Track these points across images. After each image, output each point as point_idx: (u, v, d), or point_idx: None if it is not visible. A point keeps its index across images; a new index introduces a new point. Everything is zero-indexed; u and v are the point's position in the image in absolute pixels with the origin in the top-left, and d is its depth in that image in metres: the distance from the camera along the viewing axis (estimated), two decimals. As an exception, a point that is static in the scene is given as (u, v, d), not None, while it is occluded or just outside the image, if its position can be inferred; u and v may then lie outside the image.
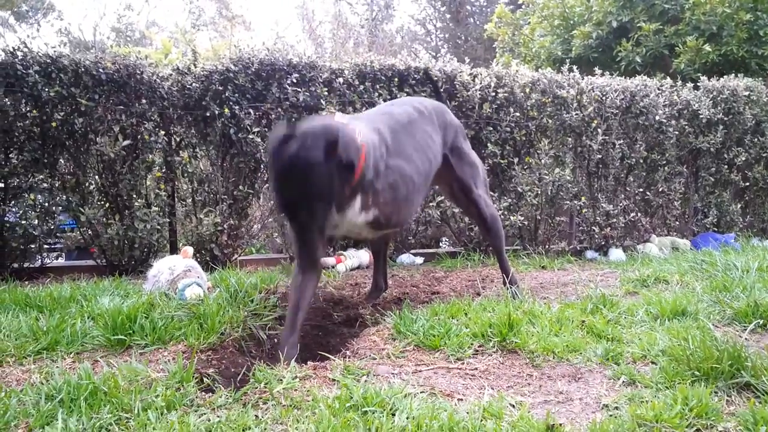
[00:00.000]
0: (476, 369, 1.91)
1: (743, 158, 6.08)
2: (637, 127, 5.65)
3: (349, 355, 2.08)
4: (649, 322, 2.30)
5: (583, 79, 5.52)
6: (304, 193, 2.02)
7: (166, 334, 2.10)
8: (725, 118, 5.96)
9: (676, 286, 3.03)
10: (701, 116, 5.81)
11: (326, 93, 4.74)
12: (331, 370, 1.86)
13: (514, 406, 1.58)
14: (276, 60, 4.69)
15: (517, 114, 5.19)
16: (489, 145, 5.14)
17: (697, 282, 3.07)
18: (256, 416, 1.48)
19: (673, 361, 1.81)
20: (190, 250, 2.88)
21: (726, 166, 6.12)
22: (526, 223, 5.28)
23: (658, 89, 5.75)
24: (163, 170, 4.62)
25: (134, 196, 4.46)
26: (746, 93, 6.02)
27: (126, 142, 4.37)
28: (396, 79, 4.98)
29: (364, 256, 4.92)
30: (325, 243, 2.77)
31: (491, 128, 5.19)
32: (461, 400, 1.64)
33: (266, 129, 4.67)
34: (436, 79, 4.91)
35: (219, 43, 11.64)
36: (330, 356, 2.00)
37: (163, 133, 4.52)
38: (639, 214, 5.68)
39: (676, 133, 5.75)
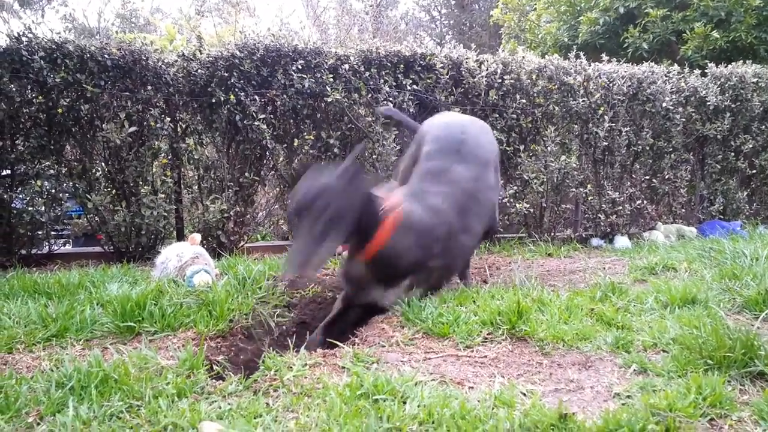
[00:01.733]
0: (486, 357, 1.91)
1: (750, 146, 6.05)
2: (644, 114, 5.62)
3: (358, 343, 2.08)
4: (658, 310, 2.29)
5: (590, 65, 5.47)
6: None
7: (175, 321, 2.10)
8: (733, 105, 5.91)
9: (685, 274, 3.02)
10: (708, 103, 5.77)
11: (332, 79, 4.71)
12: (340, 357, 1.86)
13: (525, 395, 1.58)
14: (281, 46, 4.67)
15: (524, 101, 5.16)
16: (495, 132, 5.10)
17: (706, 270, 3.05)
18: (267, 404, 1.49)
19: (684, 349, 1.81)
20: (197, 236, 2.88)
21: (733, 154, 6.08)
22: (531, 210, 5.26)
23: (665, 76, 5.70)
24: (169, 157, 4.61)
25: (140, 182, 4.45)
26: (754, 80, 5.96)
27: (132, 129, 4.36)
28: (402, 66, 4.95)
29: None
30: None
31: (497, 115, 5.17)
32: (472, 388, 1.64)
33: (272, 116, 4.66)
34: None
35: (223, 29, 11.56)
36: (339, 344, 2.00)
37: (168, 119, 4.51)
38: (645, 202, 5.65)
39: (683, 120, 5.71)
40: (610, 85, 5.41)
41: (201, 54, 4.64)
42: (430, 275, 2.47)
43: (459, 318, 2.12)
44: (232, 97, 4.54)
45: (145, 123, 4.46)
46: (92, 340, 2.00)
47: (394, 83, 4.92)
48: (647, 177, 5.73)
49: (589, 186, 5.45)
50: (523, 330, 2.05)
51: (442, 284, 2.64)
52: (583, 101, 5.28)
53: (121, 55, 4.36)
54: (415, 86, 4.96)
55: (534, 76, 5.21)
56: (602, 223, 5.50)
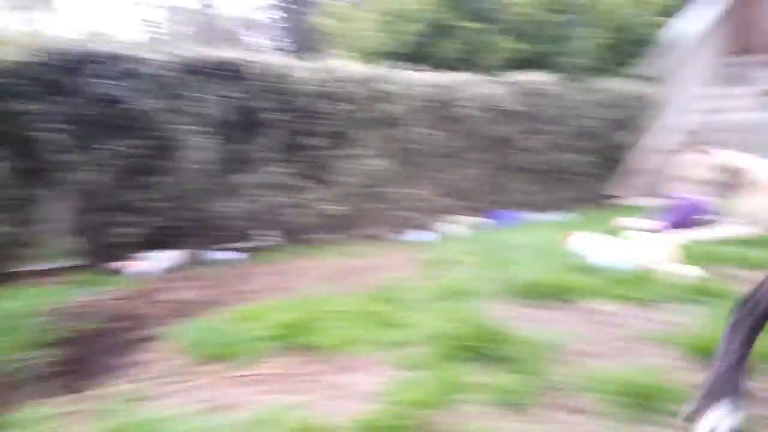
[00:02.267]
0: (261, 374, 1.93)
1: (539, 145, 6.69)
2: (449, 118, 6.00)
3: (131, 377, 1.99)
4: (433, 303, 2.48)
5: (404, 73, 5.77)
6: None
7: None
8: (526, 110, 6.51)
9: (467, 268, 3.28)
10: (505, 108, 6.29)
11: (134, 86, 4.42)
12: (99, 399, 1.78)
13: (288, 408, 1.61)
14: (76, 50, 4.29)
15: (348, 107, 5.27)
16: (319, 138, 5.17)
17: (485, 260, 3.35)
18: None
19: (446, 341, 1.96)
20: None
21: (524, 152, 6.68)
22: (345, 210, 5.39)
23: (468, 84, 6.13)
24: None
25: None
26: (546, 87, 6.63)
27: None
28: (222, 72, 4.77)
29: (176, 255, 4.68)
30: None
31: (320, 121, 5.21)
32: (239, 408, 1.65)
33: (66, 125, 4.24)
34: None
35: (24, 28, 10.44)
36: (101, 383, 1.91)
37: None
38: (450, 198, 6.04)
39: (484, 123, 6.18)
40: (423, 92, 5.72)
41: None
42: None
43: (240, 338, 2.13)
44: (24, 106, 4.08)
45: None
46: None
47: (222, 91, 4.74)
48: (452, 176, 6.12)
49: (399, 185, 5.71)
50: (305, 341, 2.10)
51: None
52: (398, 107, 5.53)
53: None
54: (232, 94, 4.82)
55: (357, 84, 5.34)
56: (411, 220, 5.79)
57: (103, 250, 4.52)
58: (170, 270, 4.51)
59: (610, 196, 7.80)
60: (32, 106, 4.10)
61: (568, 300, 2.55)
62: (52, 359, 2.23)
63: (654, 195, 8.02)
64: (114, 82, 4.36)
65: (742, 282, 2.74)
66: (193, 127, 4.61)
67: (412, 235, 5.82)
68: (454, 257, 3.46)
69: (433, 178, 6.03)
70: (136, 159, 4.48)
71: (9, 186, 4.18)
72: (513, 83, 6.56)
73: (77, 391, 1.92)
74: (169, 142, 4.62)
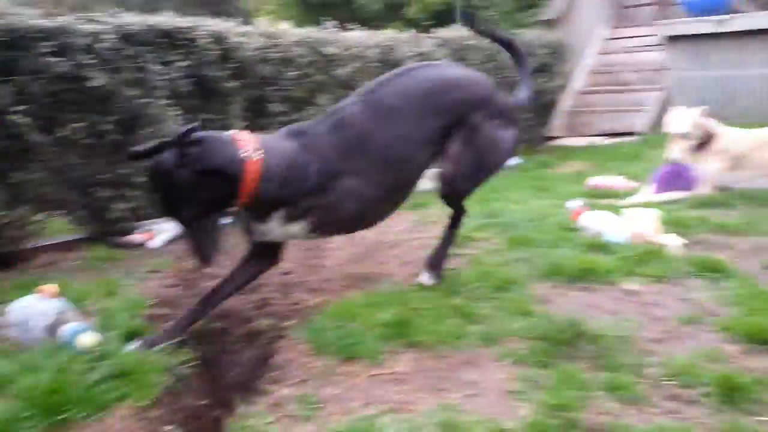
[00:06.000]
0: (397, 372, 2.29)
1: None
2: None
3: (279, 379, 2.31)
4: (492, 294, 2.91)
5: (344, 35, 6.02)
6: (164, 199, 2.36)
7: (103, 398, 2.08)
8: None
9: (484, 243, 3.75)
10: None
11: (91, 60, 4.30)
12: (285, 404, 2.11)
13: (457, 410, 2.03)
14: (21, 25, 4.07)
15: (295, 72, 5.40)
16: (276, 103, 5.29)
17: (498, 238, 3.84)
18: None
19: (536, 337, 2.45)
20: (52, 287, 2.66)
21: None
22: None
23: (404, 41, 6.42)
24: None
25: None
26: (471, 41, 7.07)
27: None
28: (166, 41, 4.71)
29: (175, 226, 4.79)
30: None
31: (273, 87, 5.32)
32: (412, 411, 2.05)
33: (28, 105, 4.10)
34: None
35: None
36: (273, 387, 2.22)
37: None
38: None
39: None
40: (364, 52, 5.95)
41: None
42: (307, 212, 2.60)
43: (361, 338, 2.47)
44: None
45: None
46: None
47: (161, 60, 4.68)
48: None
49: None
50: (416, 339, 2.50)
51: (340, 228, 2.84)
52: (344, 69, 5.73)
53: None
54: (184, 63, 4.79)
55: (299, 48, 5.46)
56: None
57: (101, 225, 4.57)
58: (170, 242, 4.64)
59: (549, 137, 8.63)
60: None
61: (596, 281, 3.02)
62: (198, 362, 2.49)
63: (582, 134, 9.01)
64: (70, 58, 4.21)
65: (723, 249, 3.45)
66: (155, 100, 4.59)
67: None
68: (465, 233, 3.85)
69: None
70: (107, 135, 4.43)
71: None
72: (445, 40, 6.96)
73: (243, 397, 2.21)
74: (134, 115, 4.58)
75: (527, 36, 8.13)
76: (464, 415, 1.98)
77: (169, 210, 2.37)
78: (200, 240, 2.35)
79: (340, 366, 2.37)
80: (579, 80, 9.76)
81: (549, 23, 9.21)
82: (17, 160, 4.24)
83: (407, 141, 2.68)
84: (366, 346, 2.44)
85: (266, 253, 2.81)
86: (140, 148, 2.36)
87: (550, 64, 8.42)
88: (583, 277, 3.09)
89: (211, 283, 2.86)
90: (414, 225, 4.52)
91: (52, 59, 4.10)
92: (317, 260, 3.81)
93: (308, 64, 5.50)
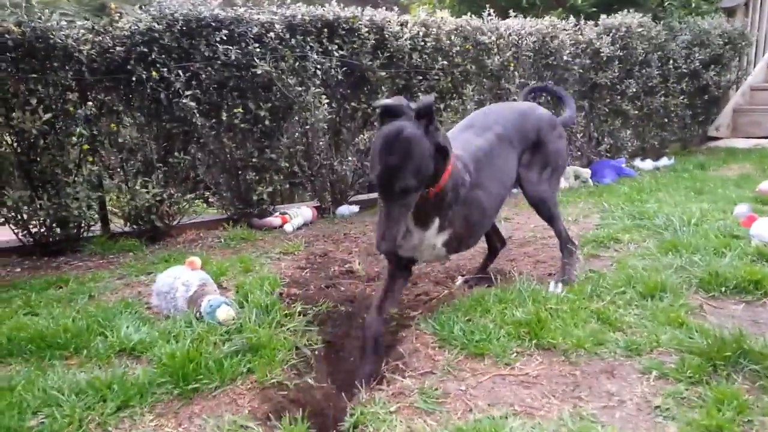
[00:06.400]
0: (527, 374, 2.16)
1: (633, 89, 6.69)
2: (547, 66, 5.99)
3: (402, 369, 2.25)
4: (639, 302, 2.66)
5: (500, 23, 5.71)
6: (404, 163, 2.11)
7: (232, 372, 2.15)
8: (621, 54, 6.46)
9: (631, 246, 3.46)
10: (602, 53, 6.25)
11: (258, 49, 4.55)
12: (407, 395, 2.04)
13: (592, 421, 1.85)
14: (201, 15, 4.39)
15: (444, 62, 5.31)
16: (419, 93, 5.26)
17: (647, 241, 3.52)
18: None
19: (688, 351, 2.18)
20: (197, 260, 2.81)
21: (618, 97, 6.70)
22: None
23: (565, 30, 6.07)
24: (90, 142, 4.28)
25: (60, 172, 4.13)
26: (639, 29, 6.53)
27: (48, 116, 3.98)
28: (326, 30, 4.87)
29: (306, 212, 4.98)
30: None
31: (420, 77, 5.29)
32: (543, 417, 1.90)
33: (197, 91, 4.43)
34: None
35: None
36: (396, 377, 2.17)
37: (90, 103, 4.17)
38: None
39: (580, 70, 6.17)
40: (519, 41, 5.68)
41: (113, 28, 4.27)
42: (451, 223, 2.57)
43: (490, 334, 2.35)
44: (154, 73, 4.26)
45: (58, 107, 4.09)
46: (156, 405, 2.00)
47: (320, 49, 4.85)
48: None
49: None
50: (548, 341, 2.32)
51: (462, 241, 2.73)
52: (496, 59, 5.53)
53: (21, 32, 3.90)
54: (341, 51, 4.92)
55: (452, 37, 5.34)
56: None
57: (243, 207, 4.83)
58: (301, 227, 4.80)
59: (711, 138, 7.88)
60: (158, 73, 4.25)
61: (763, 295, 2.70)
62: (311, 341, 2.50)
63: (750, 135, 8.14)
64: (240, 47, 4.48)
65: None
66: (312, 88, 4.75)
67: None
68: (614, 235, 3.63)
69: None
70: (262, 121, 4.67)
71: (146, 150, 4.41)
72: (609, 28, 6.50)
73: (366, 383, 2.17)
74: (289, 103, 4.78)
75: (703, 25, 7.43)
76: (600, 428, 1.80)
77: (393, 177, 2.11)
78: (397, 219, 2.16)
79: (465, 361, 2.27)
80: (756, 75, 8.80)
81: (729, 11, 8.32)
82: (179, 141, 4.60)
83: (510, 158, 2.89)
84: (494, 344, 2.32)
85: (407, 268, 2.74)
86: (388, 103, 2.25)
87: (724, 56, 7.64)
88: (748, 289, 2.73)
89: (336, 267, 2.85)
90: (546, 224, 4.29)
91: (224, 47, 4.39)
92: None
93: (459, 54, 5.39)
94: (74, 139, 4.14)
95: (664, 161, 7.12)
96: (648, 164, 6.98)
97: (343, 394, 2.07)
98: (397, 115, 2.17)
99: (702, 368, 2.08)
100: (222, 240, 4.37)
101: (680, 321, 2.43)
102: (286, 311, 2.68)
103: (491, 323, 2.46)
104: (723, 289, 2.76)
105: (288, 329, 2.51)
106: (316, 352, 2.44)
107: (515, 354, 2.29)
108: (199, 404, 2.03)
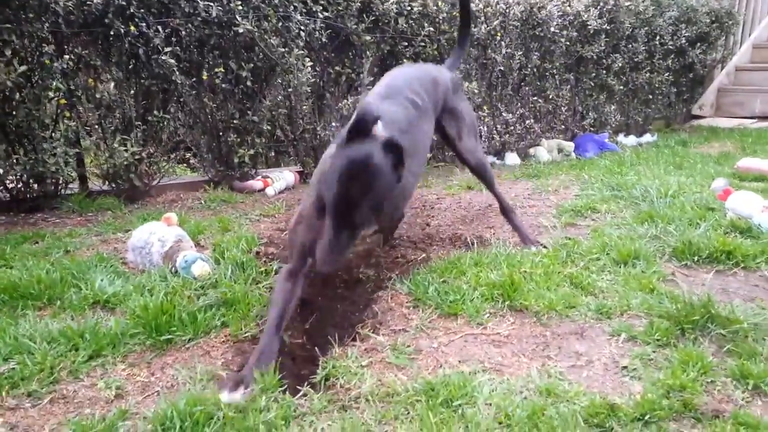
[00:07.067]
0: (499, 334, 2.19)
1: (619, 64, 6.69)
2: (534, 37, 5.96)
3: (377, 327, 2.27)
4: (612, 268, 2.70)
5: None
6: (367, 197, 1.94)
7: (206, 325, 2.15)
8: (608, 27, 6.44)
9: (608, 216, 3.50)
10: (589, 26, 6.22)
11: (240, 6, 4.46)
12: (380, 350, 2.06)
13: (560, 378, 1.89)
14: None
15: (431, 28, 5.26)
16: (404, 59, 5.21)
17: (624, 211, 3.56)
18: (363, 421, 1.66)
19: (657, 315, 2.22)
20: (173, 216, 2.78)
21: (604, 72, 6.70)
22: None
23: (552, 1, 6.03)
24: (67, 97, 4.19)
25: (36, 126, 4.05)
26: (627, 3, 6.51)
27: (23, 68, 3.89)
28: None
29: (289, 176, 4.96)
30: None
31: (406, 43, 5.24)
32: (512, 374, 1.92)
33: (177, 48, 4.35)
34: None
35: None
36: (369, 333, 2.18)
37: (67, 57, 4.08)
38: (532, 121, 6.14)
39: (567, 43, 6.15)
40: (507, 10, 5.64)
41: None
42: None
43: (464, 295, 2.37)
44: (132, 28, 4.17)
45: (34, 60, 4.00)
46: (129, 356, 2.00)
47: (304, 10, 4.77)
48: (534, 97, 6.18)
49: (485, 108, 5.79)
50: (521, 303, 2.35)
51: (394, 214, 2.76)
52: (483, 27, 5.48)
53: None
54: (325, 13, 4.84)
55: (439, 3, 5.28)
56: (496, 142, 5.94)
57: (224, 169, 4.79)
58: (282, 191, 4.79)
59: (694, 117, 7.93)
60: (136, 28, 4.16)
61: (733, 265, 2.74)
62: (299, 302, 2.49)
63: (733, 114, 8.19)
64: (221, 3, 4.39)
65: None
66: (295, 50, 4.68)
67: (498, 157, 6.02)
68: (592, 204, 3.65)
69: (517, 100, 6.11)
70: (244, 82, 4.61)
71: (124, 107, 4.34)
72: (595, 0, 6.46)
73: (339, 339, 2.18)
74: (272, 64, 4.72)
75: (691, 1, 7.41)
76: (567, 385, 1.84)
77: (353, 208, 1.94)
78: (344, 246, 1.98)
79: (438, 321, 2.30)
80: (741, 55, 8.83)
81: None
82: (158, 100, 4.53)
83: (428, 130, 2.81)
84: (468, 304, 2.35)
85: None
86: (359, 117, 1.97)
87: (711, 35, 7.65)
88: (720, 259, 2.78)
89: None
90: (531, 193, 4.32)
91: (204, 3, 4.30)
92: (424, 219, 3.75)
93: (445, 20, 5.34)
94: (51, 93, 4.05)
95: (647, 138, 7.17)
96: (631, 140, 7.03)
97: (316, 348, 2.07)
98: (365, 132, 1.97)
99: (670, 332, 2.12)
100: (202, 201, 4.34)
101: (651, 287, 2.47)
102: (262, 269, 2.67)
103: (465, 285, 2.49)
104: (695, 258, 2.81)
105: (264, 286, 2.51)
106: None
107: (488, 315, 2.32)
108: (172, 355, 2.03)
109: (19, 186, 4.13)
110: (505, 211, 3.29)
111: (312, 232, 2.11)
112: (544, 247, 3.00)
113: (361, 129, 1.96)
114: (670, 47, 7.24)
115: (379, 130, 2.05)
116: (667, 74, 7.30)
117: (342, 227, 1.95)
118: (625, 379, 1.90)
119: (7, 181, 4.11)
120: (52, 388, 1.81)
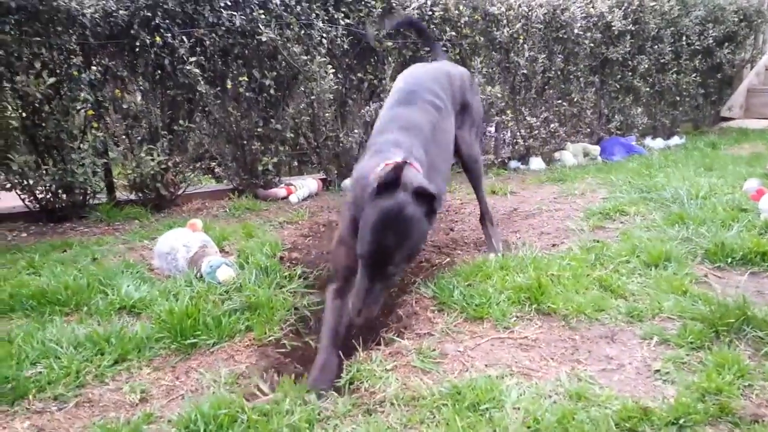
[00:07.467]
0: (526, 338, 2.15)
1: (645, 65, 6.59)
2: (557, 40, 5.90)
3: (401, 330, 2.24)
4: (643, 270, 2.63)
5: None
6: (401, 249, 1.95)
7: (230, 329, 2.15)
8: (632, 28, 6.35)
9: (638, 218, 3.43)
10: (613, 27, 6.14)
11: (263, 15, 4.50)
12: (405, 354, 2.03)
13: (590, 382, 1.84)
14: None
15: (452, 33, 5.24)
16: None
17: (654, 213, 3.48)
18: (389, 425, 1.64)
19: (690, 318, 2.16)
20: (198, 222, 2.81)
21: (630, 73, 6.61)
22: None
23: (576, 2, 5.97)
24: (94, 107, 4.26)
25: (65, 137, 4.11)
26: (652, 3, 6.42)
27: (52, 80, 3.96)
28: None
29: (312, 183, 4.96)
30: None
31: (428, 48, 5.22)
32: (540, 378, 1.88)
33: (202, 58, 4.40)
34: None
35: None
36: (394, 338, 2.16)
37: (94, 68, 4.14)
38: (556, 124, 6.07)
39: (591, 45, 6.08)
40: (529, 13, 5.59)
41: (118, -9, 4.22)
42: None
43: (490, 299, 2.33)
44: (158, 39, 4.22)
45: (63, 71, 4.07)
46: (154, 360, 2.00)
47: (326, 17, 4.79)
48: (558, 100, 6.12)
49: (509, 112, 5.75)
50: (548, 306, 2.30)
51: None
52: (505, 31, 5.45)
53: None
54: (347, 20, 4.86)
55: (461, 7, 5.26)
56: (520, 147, 5.89)
57: (248, 177, 4.81)
58: (307, 197, 4.79)
59: (723, 118, 7.77)
60: (162, 39, 4.21)
61: (767, 266, 2.67)
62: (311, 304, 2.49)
63: (764, 116, 8.01)
64: (244, 13, 4.43)
65: None
66: (317, 57, 4.70)
67: (523, 161, 5.96)
68: (622, 207, 3.59)
69: (541, 103, 6.04)
70: (267, 90, 4.63)
71: (151, 117, 4.39)
72: (620, 0, 6.37)
73: (363, 343, 2.16)
74: (294, 72, 4.74)
75: (718, 0, 7.28)
76: (598, 389, 1.79)
77: (388, 259, 1.94)
78: (378, 297, 1.98)
79: (464, 324, 2.26)
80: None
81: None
82: (183, 109, 4.58)
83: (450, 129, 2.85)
84: (494, 308, 2.31)
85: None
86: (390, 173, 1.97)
87: (739, 34, 7.50)
88: (754, 260, 2.70)
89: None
90: (557, 196, 4.26)
91: (228, 12, 4.34)
92: (448, 224, 3.71)
93: (467, 24, 5.32)
94: (79, 104, 4.11)
95: (675, 140, 7.05)
96: (659, 143, 6.92)
97: (340, 353, 2.05)
98: (395, 183, 1.96)
99: (704, 334, 2.06)
100: (227, 209, 4.36)
101: (684, 289, 2.40)
102: (286, 273, 2.67)
103: (491, 288, 2.45)
104: (729, 260, 2.73)
105: (287, 291, 2.51)
106: (316, 314, 2.43)
107: (515, 318, 2.27)
108: (196, 359, 2.03)
109: (48, 196, 4.19)
110: (483, 218, 3.22)
111: (352, 253, 2.09)
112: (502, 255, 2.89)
113: (391, 182, 1.95)
114: (697, 47, 7.12)
115: (410, 175, 2.04)
116: (694, 75, 7.18)
117: (376, 279, 1.95)
118: (657, 383, 1.84)
119: (37, 192, 4.17)
120: (78, 391, 1.82)
